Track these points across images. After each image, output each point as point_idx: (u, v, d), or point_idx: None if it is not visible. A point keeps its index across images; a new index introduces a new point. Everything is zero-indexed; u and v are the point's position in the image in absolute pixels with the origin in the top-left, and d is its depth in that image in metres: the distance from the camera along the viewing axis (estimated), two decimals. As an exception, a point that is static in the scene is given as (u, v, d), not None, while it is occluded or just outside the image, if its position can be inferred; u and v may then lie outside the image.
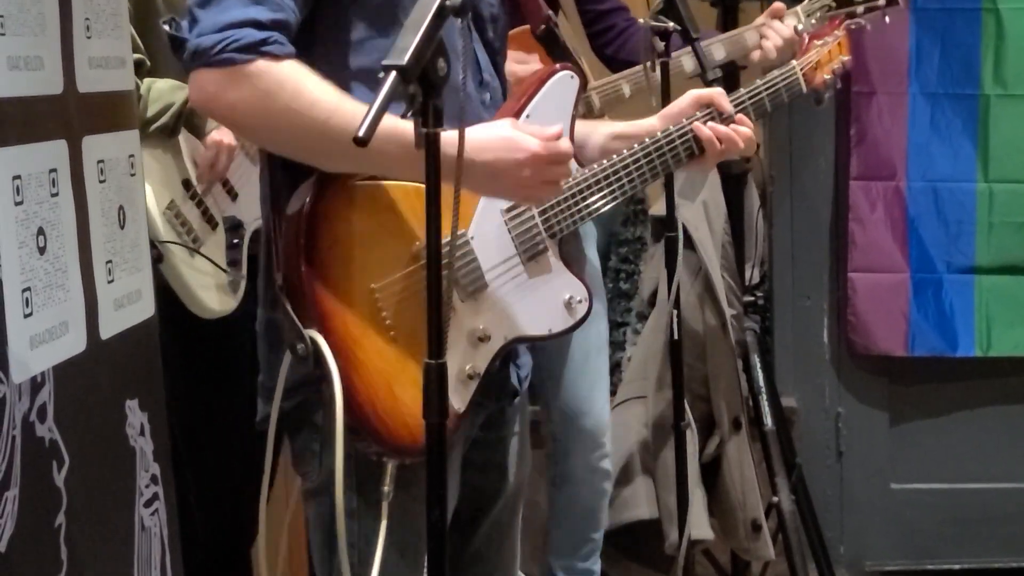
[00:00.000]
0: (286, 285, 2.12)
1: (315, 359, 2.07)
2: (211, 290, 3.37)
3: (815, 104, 2.77)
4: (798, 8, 3.63)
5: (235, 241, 3.46)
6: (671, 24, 3.14)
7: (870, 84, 4.51)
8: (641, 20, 3.17)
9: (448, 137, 1.82)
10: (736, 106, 2.45)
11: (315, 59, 2.10)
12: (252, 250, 3.50)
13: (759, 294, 4.59)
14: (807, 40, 2.75)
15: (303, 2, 2.08)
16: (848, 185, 4.57)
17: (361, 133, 1.69)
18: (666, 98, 3.13)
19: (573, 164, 2.28)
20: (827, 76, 2.73)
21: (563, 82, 2.30)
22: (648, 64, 3.16)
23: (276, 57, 2.01)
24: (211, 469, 3.50)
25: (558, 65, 2.33)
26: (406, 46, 1.71)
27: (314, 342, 2.07)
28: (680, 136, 2.38)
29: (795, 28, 3.61)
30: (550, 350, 3.56)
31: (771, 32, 3.59)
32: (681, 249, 3.44)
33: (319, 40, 2.14)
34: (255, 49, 2.00)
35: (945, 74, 4.49)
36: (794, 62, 2.64)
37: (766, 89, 2.53)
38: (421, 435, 1.86)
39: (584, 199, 2.30)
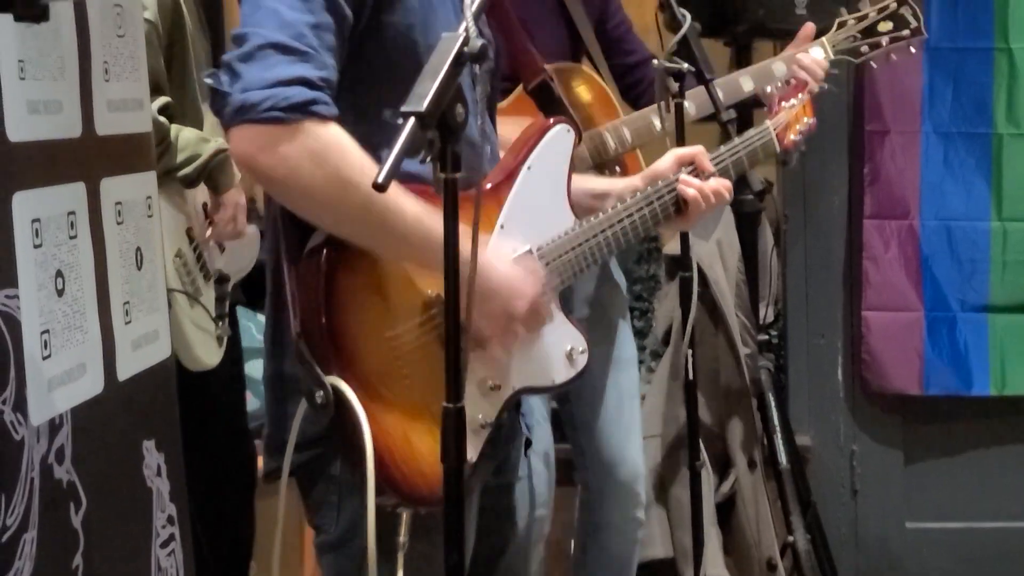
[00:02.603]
0: (304, 333, 2.09)
1: (336, 407, 2.04)
2: (204, 343, 3.37)
3: (782, 165, 2.77)
4: (824, 39, 3.63)
5: (220, 295, 3.46)
6: (685, 65, 3.14)
7: (883, 123, 4.52)
8: (655, 61, 3.18)
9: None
10: (717, 164, 2.49)
11: (345, 115, 2.06)
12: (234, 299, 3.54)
13: (773, 333, 4.59)
14: (776, 102, 2.74)
15: (338, 59, 2.05)
16: (862, 224, 4.57)
17: (380, 179, 1.70)
18: (680, 139, 3.13)
19: (571, 218, 2.31)
20: (795, 137, 2.73)
21: (559, 136, 2.31)
22: (662, 105, 3.16)
23: (323, 119, 1.98)
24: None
25: (552, 119, 2.33)
26: (424, 92, 1.72)
27: (336, 390, 2.04)
28: (668, 191, 2.41)
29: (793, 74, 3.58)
30: (584, 398, 3.55)
31: (798, 59, 3.57)
32: (696, 288, 3.45)
33: (347, 97, 2.08)
34: (304, 109, 1.96)
35: (958, 113, 4.50)
36: (768, 122, 2.68)
37: (744, 147, 2.57)
38: (437, 484, 1.85)
39: (581, 252, 2.30)
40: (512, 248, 2.22)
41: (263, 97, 1.94)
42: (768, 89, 3.48)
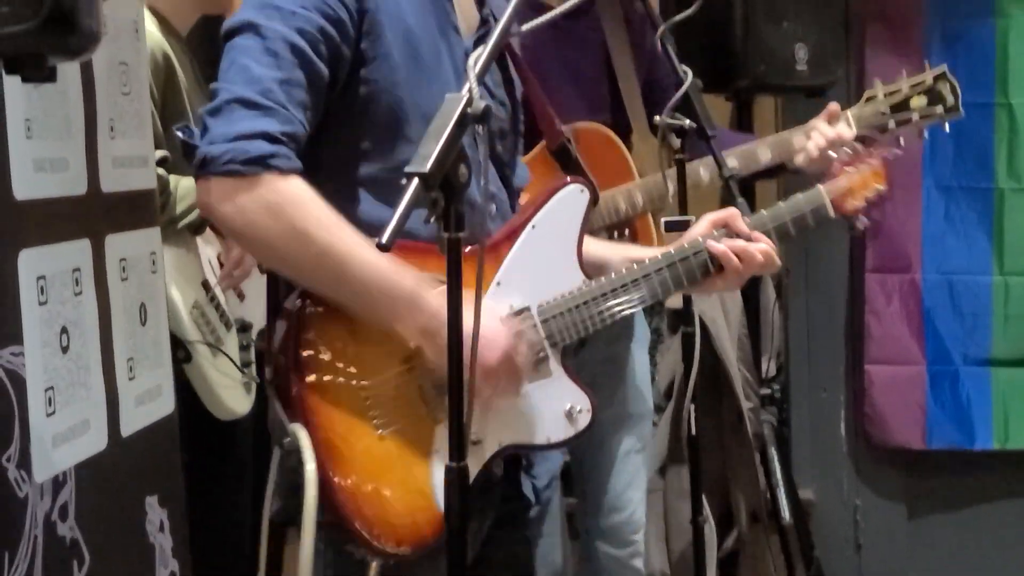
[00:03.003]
0: (275, 380, 2.14)
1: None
2: (231, 390, 3.39)
3: (849, 231, 2.70)
4: (847, 111, 3.54)
5: (245, 343, 3.48)
6: (687, 121, 3.16)
7: (885, 178, 4.53)
8: (657, 118, 3.19)
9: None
10: (758, 227, 2.42)
11: (322, 168, 2.14)
12: (259, 346, 3.53)
13: (776, 387, 4.59)
14: (838, 167, 2.61)
15: (311, 116, 2.10)
16: (863, 277, 4.59)
17: (384, 240, 1.71)
18: (683, 195, 3.15)
19: (580, 277, 2.30)
20: (858, 204, 2.59)
21: (572, 195, 2.31)
22: (663, 161, 3.18)
23: (282, 172, 2.03)
24: (212, 566, 3.48)
25: (569, 178, 2.34)
26: (428, 153, 1.73)
27: (297, 437, 2.08)
28: (694, 253, 2.37)
29: (837, 135, 3.52)
30: (591, 444, 3.56)
31: (815, 134, 3.55)
32: (698, 343, 3.45)
33: (326, 150, 2.16)
34: (262, 162, 2.01)
35: (959, 167, 4.52)
36: (820, 186, 2.57)
37: (788, 212, 2.48)
38: (407, 536, 1.91)
39: (588, 311, 2.29)
40: (508, 305, 2.24)
41: (224, 150, 2.01)
42: (813, 148, 3.47)
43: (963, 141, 4.49)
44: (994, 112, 4.48)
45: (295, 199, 2.04)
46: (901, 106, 3.53)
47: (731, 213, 2.42)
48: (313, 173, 2.11)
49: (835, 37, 4.30)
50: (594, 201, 2.34)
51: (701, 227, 2.42)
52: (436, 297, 2.04)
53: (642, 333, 3.65)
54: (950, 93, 3.53)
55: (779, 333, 4.70)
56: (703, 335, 3.78)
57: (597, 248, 2.42)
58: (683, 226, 3.20)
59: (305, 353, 2.12)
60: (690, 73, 3.11)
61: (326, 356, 2.12)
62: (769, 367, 4.59)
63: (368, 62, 2.13)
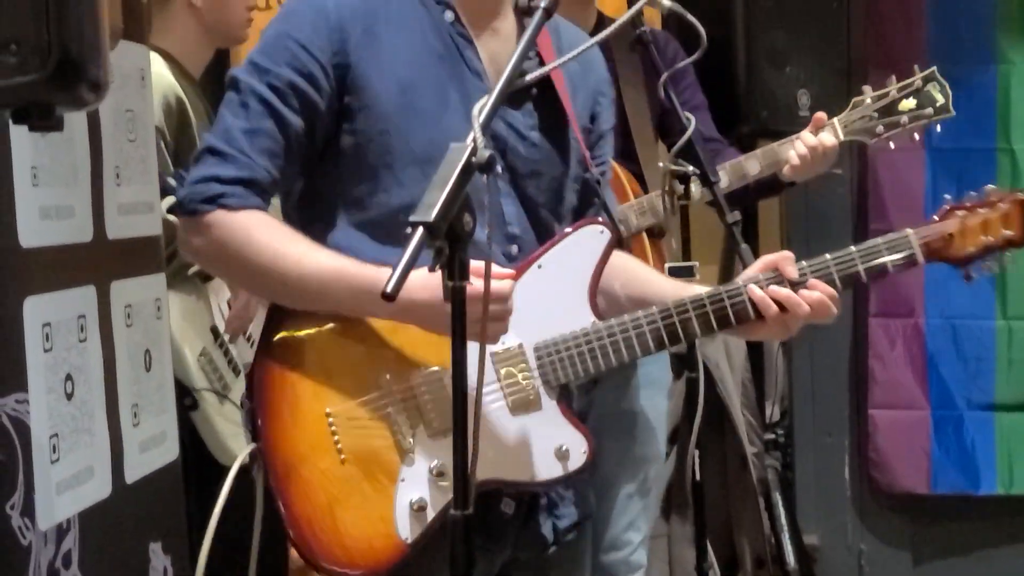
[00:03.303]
0: (248, 397, 2.24)
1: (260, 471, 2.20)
2: (237, 438, 3.38)
3: (965, 280, 2.40)
4: (835, 120, 3.54)
5: None
6: (690, 168, 3.17)
7: (887, 222, 4.54)
8: (661, 164, 3.21)
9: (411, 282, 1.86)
10: (817, 272, 2.30)
11: (324, 215, 2.27)
12: None
13: (780, 431, 4.59)
14: (945, 208, 2.39)
15: (281, 160, 2.23)
16: (867, 322, 4.59)
17: (389, 289, 1.72)
18: (686, 239, 3.16)
19: (590, 318, 2.27)
20: (972, 250, 2.37)
21: (590, 235, 2.31)
22: (668, 206, 3.19)
23: (232, 208, 2.20)
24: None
25: (589, 219, 2.34)
26: (433, 202, 1.74)
27: (256, 453, 2.19)
28: (730, 297, 2.29)
29: (823, 141, 3.49)
30: (597, 483, 3.54)
31: (798, 142, 3.54)
32: (702, 388, 3.45)
33: (325, 198, 2.28)
34: (213, 201, 2.20)
35: (962, 213, 4.52)
36: (909, 230, 2.36)
37: (861, 256, 2.32)
38: (359, 559, 2.04)
39: (591, 351, 2.28)
40: (501, 341, 2.23)
41: (186, 193, 2.23)
42: (794, 157, 3.44)
43: (965, 186, 4.44)
44: (996, 157, 4.49)
45: (245, 227, 2.20)
46: (889, 110, 3.52)
47: (783, 256, 2.32)
48: (316, 220, 2.26)
49: (837, 82, 4.31)
50: (616, 242, 2.32)
51: (753, 268, 2.34)
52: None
53: (661, 376, 3.62)
54: (940, 93, 3.51)
55: (783, 377, 4.70)
56: (707, 380, 3.79)
57: (656, 287, 2.39)
58: (687, 272, 3.22)
59: (274, 376, 2.22)
60: (693, 119, 3.12)
61: (294, 380, 2.22)
62: (773, 412, 4.59)
63: (354, 113, 2.24)
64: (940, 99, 3.49)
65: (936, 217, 2.39)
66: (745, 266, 2.98)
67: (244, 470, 3.37)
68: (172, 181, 2.39)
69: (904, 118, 3.50)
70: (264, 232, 2.20)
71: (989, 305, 4.52)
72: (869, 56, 4.60)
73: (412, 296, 2.03)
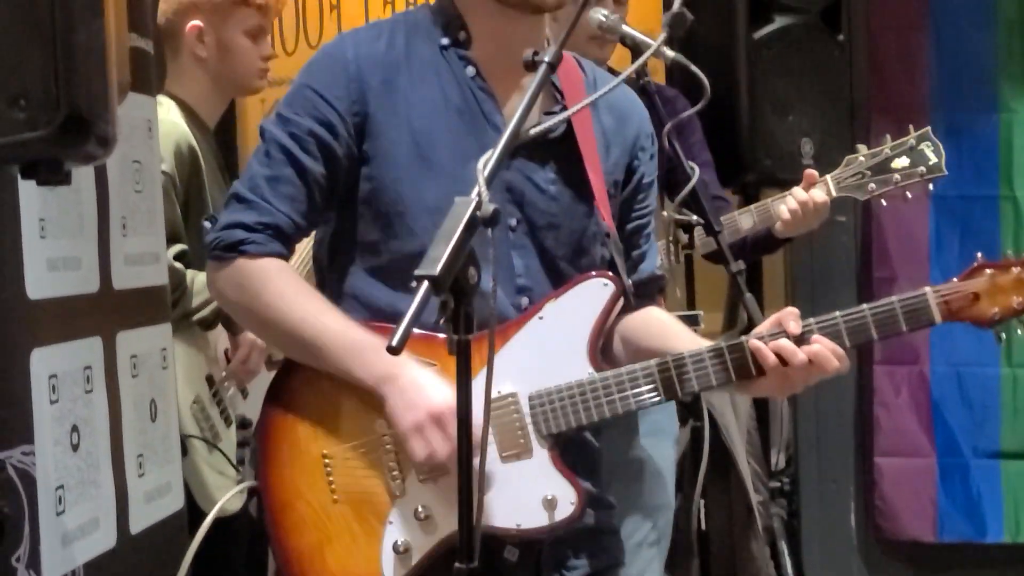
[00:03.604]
0: (256, 433, 2.35)
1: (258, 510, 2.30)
2: (223, 490, 3.37)
3: (997, 341, 2.30)
4: (827, 177, 3.58)
5: (243, 440, 3.48)
6: (694, 217, 3.18)
7: (891, 270, 4.56)
8: (665, 213, 3.22)
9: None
10: (824, 328, 2.24)
11: (339, 259, 2.36)
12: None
13: (785, 479, 4.58)
14: (973, 265, 2.29)
15: (302, 205, 2.30)
16: (872, 369, 4.59)
17: (394, 343, 1.73)
18: (691, 291, 3.17)
19: (587, 369, 2.28)
20: (996, 309, 2.26)
21: (593, 287, 2.32)
22: (672, 256, 3.20)
23: (253, 255, 2.28)
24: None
25: (594, 272, 2.36)
26: (438, 256, 1.75)
27: (254, 490, 2.28)
28: (730, 351, 2.26)
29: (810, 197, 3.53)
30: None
31: (789, 198, 3.57)
32: (707, 437, 3.45)
33: (341, 243, 2.36)
34: (235, 247, 2.28)
35: (965, 260, 4.47)
36: (927, 288, 2.27)
37: (872, 313, 2.26)
38: None
39: (585, 402, 2.28)
40: (495, 390, 2.25)
41: (213, 238, 2.31)
42: (785, 212, 3.45)
43: (969, 233, 4.52)
44: (999, 205, 4.50)
45: (262, 276, 2.28)
46: (882, 168, 3.54)
47: (787, 311, 2.28)
48: (336, 263, 2.36)
49: (840, 130, 4.33)
50: (620, 294, 2.32)
51: (762, 326, 2.30)
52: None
53: (669, 424, 3.62)
54: (933, 153, 3.54)
55: (788, 425, 4.70)
56: (712, 428, 3.79)
57: (674, 341, 2.37)
58: (691, 321, 3.23)
59: (275, 416, 2.32)
60: (697, 169, 3.14)
61: (295, 422, 2.31)
62: (778, 459, 4.58)
63: (370, 160, 2.30)
64: (933, 158, 3.51)
65: (962, 274, 2.30)
66: (749, 315, 3.00)
67: (234, 516, 3.37)
68: (207, 224, 2.48)
69: (896, 176, 3.54)
70: (278, 284, 2.28)
71: (994, 353, 4.51)
72: (872, 104, 4.62)
73: (401, 378, 2.20)
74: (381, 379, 2.22)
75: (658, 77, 3.93)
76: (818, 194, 3.55)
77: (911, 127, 3.55)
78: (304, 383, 2.32)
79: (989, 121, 4.54)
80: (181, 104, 3.48)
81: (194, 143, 3.40)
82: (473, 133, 2.30)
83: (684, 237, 3.22)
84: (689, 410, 3.59)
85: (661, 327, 2.46)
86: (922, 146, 3.54)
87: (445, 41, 2.34)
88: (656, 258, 2.57)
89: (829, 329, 2.24)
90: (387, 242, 2.30)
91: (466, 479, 1.82)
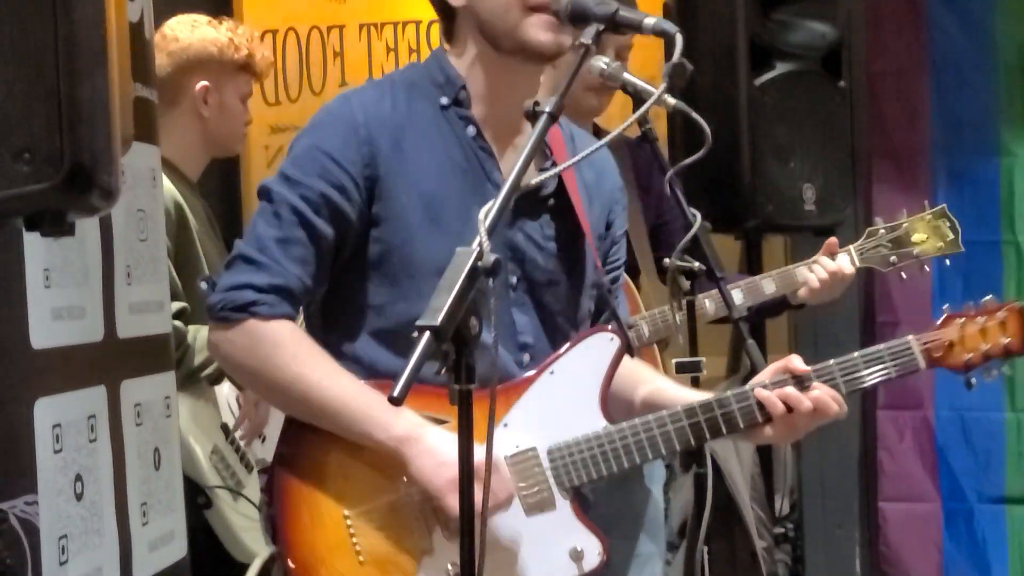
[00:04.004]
0: (268, 498, 2.30)
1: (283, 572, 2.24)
2: (252, 532, 3.39)
3: (966, 387, 2.49)
4: (851, 247, 3.65)
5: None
6: (696, 264, 3.19)
7: (894, 315, 4.56)
8: (667, 260, 3.22)
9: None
10: (822, 376, 2.36)
11: (340, 319, 2.34)
12: None
13: (790, 525, 4.57)
14: (943, 316, 2.46)
15: (312, 268, 2.29)
16: (876, 414, 4.58)
17: (396, 393, 1.74)
18: (693, 337, 3.17)
19: (601, 423, 2.32)
20: (968, 356, 2.44)
21: (600, 342, 2.37)
22: (674, 304, 3.20)
23: (265, 317, 2.26)
24: None
25: (599, 326, 2.42)
26: (439, 306, 1.76)
27: (276, 555, 2.24)
28: (737, 400, 2.35)
29: (853, 266, 3.60)
30: None
31: (816, 267, 3.62)
32: (711, 483, 3.44)
33: (344, 303, 2.34)
34: (246, 309, 2.26)
35: (969, 305, 4.53)
36: (910, 336, 2.43)
37: (864, 360, 2.38)
38: None
39: (604, 455, 2.32)
40: (514, 445, 2.30)
41: (219, 299, 2.29)
42: (814, 280, 3.53)
43: (972, 279, 4.52)
44: (1001, 250, 4.51)
45: (273, 339, 2.27)
46: (902, 241, 3.64)
47: (789, 359, 2.38)
48: (336, 325, 2.33)
49: (842, 176, 4.35)
50: (626, 349, 2.38)
51: (763, 374, 2.39)
52: (413, 412, 2.21)
53: (658, 472, 3.64)
54: (949, 230, 3.65)
55: (792, 471, 4.69)
56: (715, 474, 3.79)
57: (669, 394, 2.44)
58: (694, 367, 3.23)
59: (290, 479, 2.29)
60: (699, 215, 3.14)
61: (313, 483, 2.28)
62: (783, 505, 4.57)
63: (380, 223, 2.30)
64: (950, 235, 3.65)
65: (937, 324, 2.46)
66: (752, 361, 3.00)
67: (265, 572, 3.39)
68: (204, 285, 2.47)
69: (915, 250, 3.65)
70: (290, 346, 2.27)
71: (997, 397, 4.51)
72: (873, 149, 4.64)
73: (424, 438, 2.19)
74: (402, 441, 2.22)
75: (659, 124, 3.94)
76: (847, 265, 3.63)
77: (926, 203, 3.66)
78: (313, 445, 2.31)
79: (990, 166, 4.55)
80: (163, 160, 3.46)
81: (180, 199, 3.41)
82: (477, 193, 2.32)
83: (686, 284, 3.22)
84: (692, 456, 3.58)
85: (655, 379, 2.53)
86: (939, 222, 3.66)
87: (445, 101, 2.36)
88: (625, 307, 2.62)
89: (826, 376, 2.35)
90: (394, 304, 2.30)
91: (468, 533, 1.83)
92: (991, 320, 2.46)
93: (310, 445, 2.29)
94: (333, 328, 2.35)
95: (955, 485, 4.53)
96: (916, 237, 3.64)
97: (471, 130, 2.35)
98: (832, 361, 2.37)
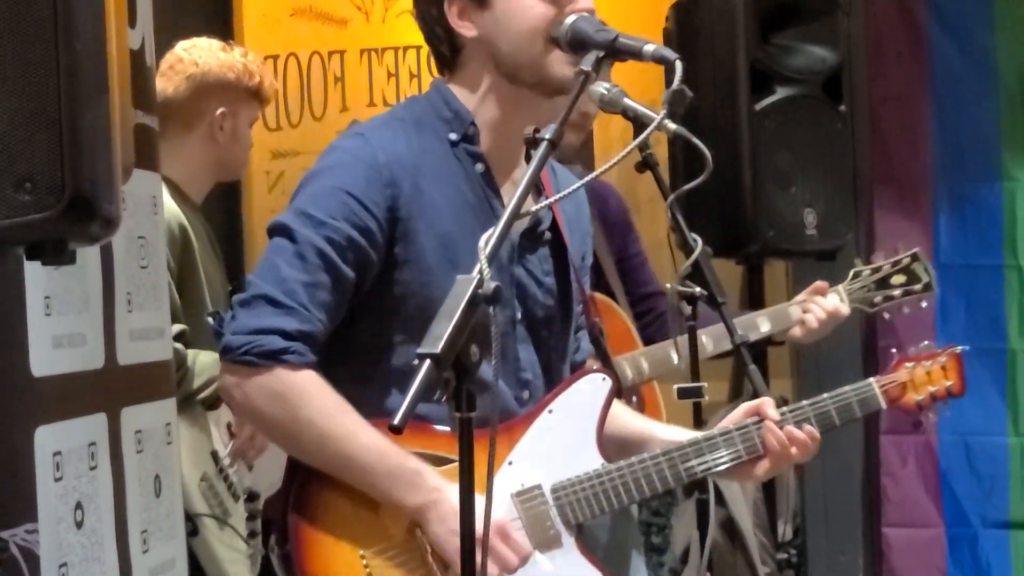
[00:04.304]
0: (280, 543, 2.29)
1: None
2: (237, 564, 3.37)
3: (913, 428, 2.75)
4: (839, 287, 3.73)
5: (252, 513, 3.48)
6: (697, 289, 3.18)
7: (896, 339, 4.53)
8: (668, 285, 3.23)
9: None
10: (797, 416, 2.48)
11: (356, 358, 2.33)
12: (264, 516, 3.53)
13: (793, 551, 4.55)
14: (895, 360, 2.68)
15: (333, 313, 2.27)
16: (878, 439, 4.58)
17: (396, 422, 1.73)
18: (695, 362, 3.16)
19: (599, 460, 2.37)
20: (919, 397, 2.64)
21: (592, 382, 2.42)
22: (677, 333, 3.21)
23: (294, 366, 2.23)
24: None
25: (593, 367, 2.47)
26: (440, 334, 1.76)
27: None
28: (723, 439, 2.44)
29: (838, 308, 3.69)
30: None
31: (814, 307, 3.67)
32: (713, 508, 3.43)
33: (360, 341, 2.33)
34: (275, 356, 2.22)
35: (971, 329, 4.53)
36: (872, 379, 2.60)
37: (833, 401, 2.52)
38: None
39: (605, 492, 2.36)
40: (520, 483, 2.34)
41: (244, 341, 2.23)
42: (813, 320, 3.62)
43: (974, 303, 4.52)
44: (1003, 274, 4.51)
45: (301, 390, 2.23)
46: (884, 283, 3.77)
47: (762, 400, 2.48)
48: (346, 362, 2.32)
49: (843, 201, 4.35)
50: (616, 390, 2.43)
51: (735, 415, 2.47)
52: (435, 474, 2.22)
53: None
54: (924, 272, 3.77)
55: (795, 496, 4.67)
56: (718, 500, 3.77)
57: (639, 427, 2.52)
58: (696, 392, 3.22)
59: (305, 519, 2.29)
60: (700, 241, 3.14)
61: (328, 525, 2.27)
62: (785, 531, 4.55)
63: (401, 264, 2.29)
64: (924, 277, 3.76)
65: (891, 366, 2.64)
66: (755, 387, 3.00)
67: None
68: (211, 320, 2.45)
69: (897, 291, 3.77)
70: (316, 399, 2.24)
71: (1001, 422, 4.50)
72: (875, 175, 4.65)
73: (440, 505, 2.20)
74: (422, 508, 2.23)
75: (660, 149, 3.95)
76: (843, 307, 3.72)
77: (899, 247, 3.77)
78: (328, 488, 2.30)
79: (992, 190, 4.56)
80: (168, 182, 3.46)
81: (184, 221, 3.40)
82: (486, 230, 2.31)
83: (687, 309, 3.22)
84: (694, 483, 3.58)
85: (637, 419, 2.61)
86: (914, 265, 3.77)
87: (454, 137, 2.35)
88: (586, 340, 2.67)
89: (801, 418, 2.47)
90: (410, 344, 2.28)
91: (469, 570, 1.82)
92: (935, 363, 2.65)
93: (322, 491, 2.30)
94: (340, 364, 2.32)
95: (959, 510, 4.52)
96: (896, 279, 3.77)
97: (479, 167, 2.36)
98: (805, 401, 2.51)
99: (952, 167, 4.61)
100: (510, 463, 2.33)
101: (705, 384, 3.38)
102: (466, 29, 2.32)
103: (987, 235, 4.53)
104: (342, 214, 2.25)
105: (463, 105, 2.35)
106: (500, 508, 2.25)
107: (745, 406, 2.48)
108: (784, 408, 2.48)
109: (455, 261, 2.28)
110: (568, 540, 2.34)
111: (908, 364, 2.64)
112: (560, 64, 2.27)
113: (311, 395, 2.23)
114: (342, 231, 2.25)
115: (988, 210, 4.56)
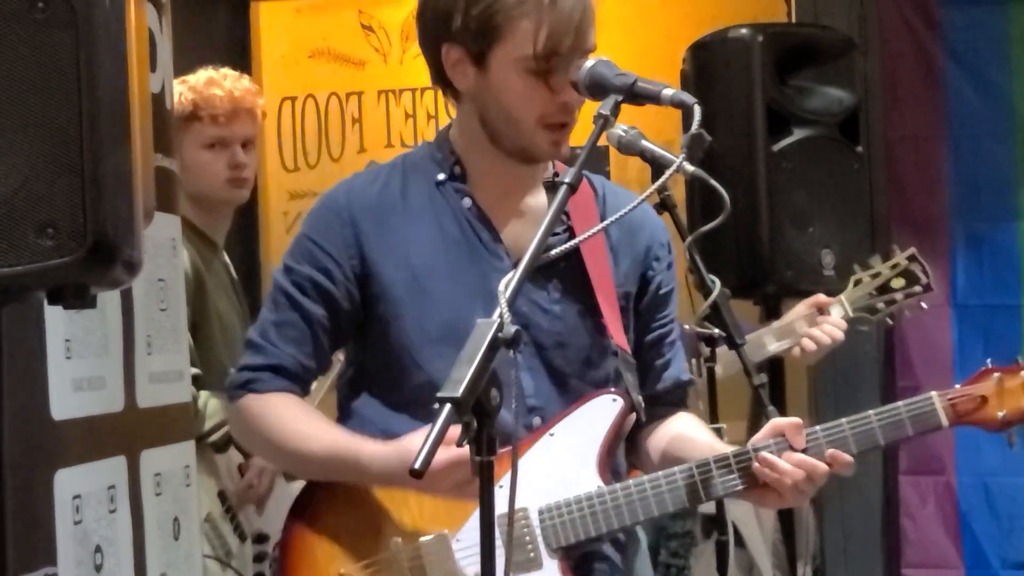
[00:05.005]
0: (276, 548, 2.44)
1: None
2: None
3: (1009, 444, 2.32)
4: (842, 296, 3.69)
5: (260, 555, 3.47)
6: (716, 331, 3.18)
7: (915, 379, 4.54)
8: (687, 326, 3.22)
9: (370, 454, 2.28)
10: (831, 439, 2.28)
11: (359, 393, 2.44)
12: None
13: (812, 592, 4.53)
14: (983, 368, 2.34)
15: (310, 349, 2.41)
16: (897, 480, 4.56)
17: (417, 465, 1.74)
18: (713, 403, 3.16)
19: (596, 483, 2.33)
20: (1007, 412, 2.31)
21: (602, 404, 2.39)
22: (694, 367, 3.21)
23: (259, 392, 2.41)
24: None
25: (603, 389, 2.41)
26: (460, 378, 1.76)
27: None
28: (740, 463, 2.31)
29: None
30: None
31: (818, 333, 3.63)
32: (732, 550, 3.43)
33: (359, 377, 2.45)
34: (244, 387, 2.43)
35: (989, 369, 4.52)
36: (933, 392, 2.31)
37: (880, 419, 2.29)
38: None
39: (594, 515, 2.32)
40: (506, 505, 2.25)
41: (228, 381, 2.48)
42: (824, 338, 3.57)
43: (992, 342, 4.51)
44: (1021, 314, 4.50)
45: (266, 407, 2.41)
46: (885, 288, 3.72)
47: (791, 422, 2.30)
48: (355, 397, 2.45)
49: (860, 241, 4.33)
50: (628, 410, 2.39)
51: (762, 433, 2.33)
52: (368, 450, 2.32)
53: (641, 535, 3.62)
54: (922, 272, 3.71)
55: (814, 537, 4.65)
56: (737, 542, 3.77)
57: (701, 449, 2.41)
58: (715, 435, 3.22)
59: (295, 533, 2.39)
60: (718, 282, 3.14)
61: (312, 539, 2.37)
62: (805, 572, 4.53)
63: (373, 302, 2.40)
64: (924, 278, 3.70)
65: (971, 377, 2.33)
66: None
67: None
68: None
69: (898, 295, 3.71)
70: (283, 412, 2.41)
71: (1020, 463, 4.47)
72: (892, 215, 4.65)
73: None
74: (386, 474, 2.27)
75: (678, 190, 3.96)
76: (839, 311, 3.68)
77: (895, 247, 3.72)
78: (324, 501, 2.40)
79: (1009, 230, 4.56)
80: (185, 223, 3.42)
81: (199, 262, 3.40)
82: (473, 263, 2.38)
83: (706, 350, 3.22)
84: (714, 523, 3.57)
85: (682, 436, 2.49)
86: (912, 266, 3.72)
87: (441, 176, 2.42)
88: (682, 364, 2.59)
89: (835, 437, 2.28)
90: (402, 377, 2.39)
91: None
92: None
93: (319, 502, 2.39)
94: (357, 400, 2.45)
95: (978, 551, 4.50)
96: (896, 283, 3.71)
97: (466, 202, 2.40)
98: (844, 420, 2.28)
99: (969, 207, 4.61)
100: (500, 487, 2.28)
101: (724, 426, 3.38)
102: (459, 81, 2.36)
103: (1004, 275, 4.53)
104: (304, 258, 2.42)
105: (454, 145, 2.42)
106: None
107: (775, 423, 2.32)
108: (817, 427, 2.28)
109: (427, 292, 2.36)
110: (550, 563, 2.31)
111: (997, 374, 2.31)
112: (544, 142, 2.33)
113: (276, 408, 2.40)
114: (303, 273, 2.41)
115: (1005, 250, 4.55)
